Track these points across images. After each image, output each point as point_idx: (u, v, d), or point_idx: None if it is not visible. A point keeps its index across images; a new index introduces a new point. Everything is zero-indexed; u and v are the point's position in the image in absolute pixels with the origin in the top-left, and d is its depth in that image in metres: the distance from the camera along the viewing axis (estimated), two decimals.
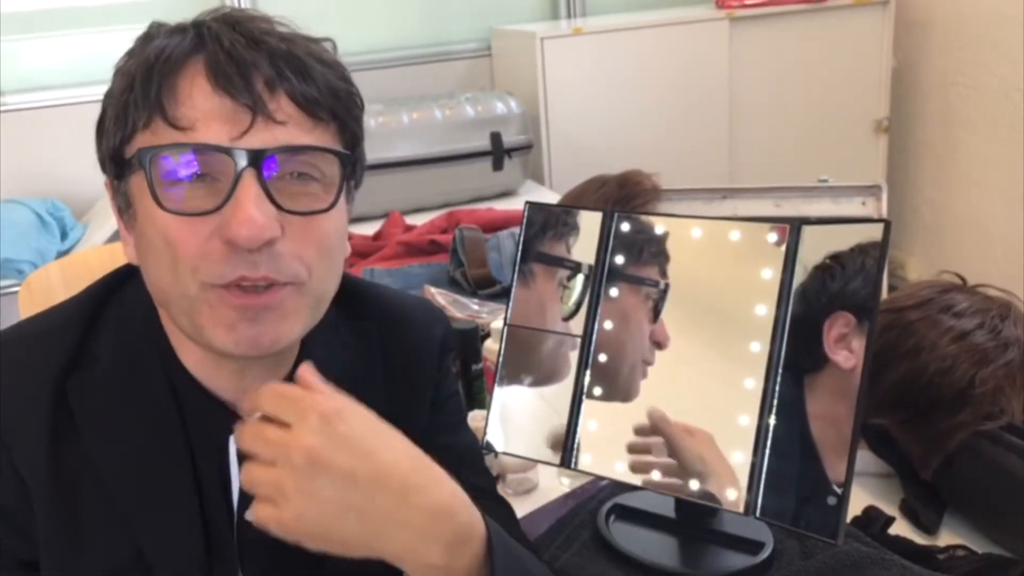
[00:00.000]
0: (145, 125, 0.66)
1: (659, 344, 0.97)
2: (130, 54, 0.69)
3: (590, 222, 1.02)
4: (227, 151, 0.64)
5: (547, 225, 1.05)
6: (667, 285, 0.97)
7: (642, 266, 0.99)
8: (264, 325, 0.67)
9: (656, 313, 0.98)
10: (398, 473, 0.63)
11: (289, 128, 0.66)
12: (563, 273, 1.03)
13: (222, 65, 0.65)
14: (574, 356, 1.01)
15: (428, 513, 0.64)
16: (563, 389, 1.01)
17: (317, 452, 0.60)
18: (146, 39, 0.69)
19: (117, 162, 0.69)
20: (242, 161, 0.64)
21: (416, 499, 0.64)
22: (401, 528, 0.63)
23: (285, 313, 0.68)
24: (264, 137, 0.65)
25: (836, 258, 0.89)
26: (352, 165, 0.72)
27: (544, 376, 1.03)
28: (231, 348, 0.68)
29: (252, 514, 0.62)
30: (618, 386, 0.98)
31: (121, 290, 0.78)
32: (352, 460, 0.61)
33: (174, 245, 0.65)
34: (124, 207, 0.71)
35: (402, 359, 0.84)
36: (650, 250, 0.99)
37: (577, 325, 1.01)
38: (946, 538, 1.02)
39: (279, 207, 0.66)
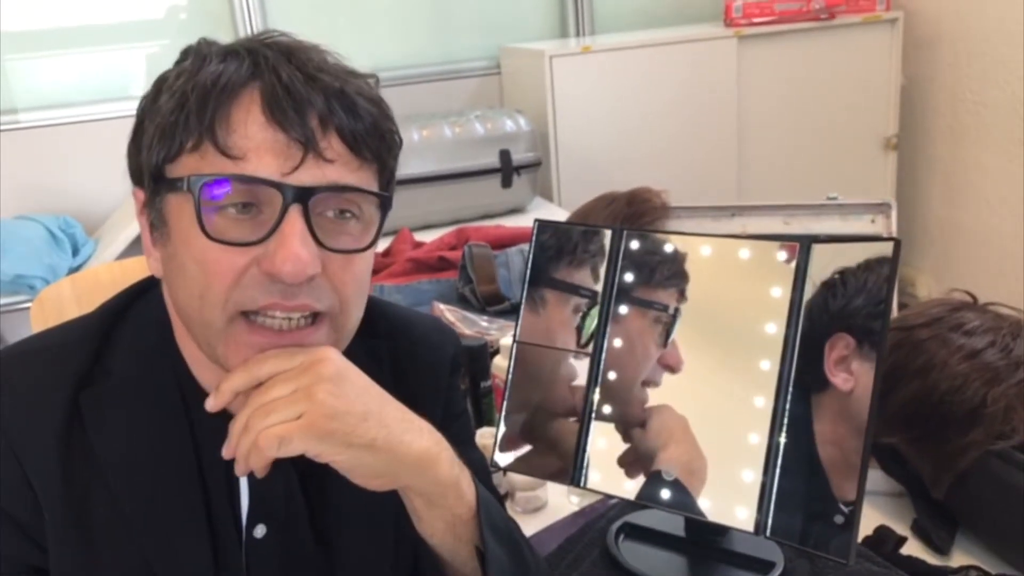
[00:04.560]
0: (194, 148, 0.66)
1: (671, 368, 0.96)
2: (181, 72, 0.69)
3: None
4: (277, 186, 0.65)
5: (563, 251, 1.03)
6: (677, 310, 0.97)
7: (654, 288, 0.98)
8: None
9: (666, 337, 0.97)
10: (394, 401, 0.73)
11: (337, 166, 0.67)
12: (579, 301, 1.02)
13: (279, 98, 0.66)
14: (581, 390, 1.00)
15: (428, 429, 0.74)
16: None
17: (343, 368, 0.69)
18: (198, 58, 0.69)
19: (156, 178, 0.69)
20: (290, 197, 0.65)
21: (416, 416, 0.73)
22: (416, 433, 0.72)
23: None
24: (314, 174, 0.66)
25: (841, 274, 0.89)
26: (389, 204, 0.73)
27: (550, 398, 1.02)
28: None
29: (267, 447, 0.65)
30: (627, 404, 0.98)
31: (137, 305, 0.78)
32: (364, 380, 0.71)
33: (209, 272, 0.66)
34: (157, 223, 0.71)
35: (413, 377, 0.84)
36: (664, 272, 0.98)
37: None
38: (958, 558, 1.01)
39: (321, 244, 0.67)
